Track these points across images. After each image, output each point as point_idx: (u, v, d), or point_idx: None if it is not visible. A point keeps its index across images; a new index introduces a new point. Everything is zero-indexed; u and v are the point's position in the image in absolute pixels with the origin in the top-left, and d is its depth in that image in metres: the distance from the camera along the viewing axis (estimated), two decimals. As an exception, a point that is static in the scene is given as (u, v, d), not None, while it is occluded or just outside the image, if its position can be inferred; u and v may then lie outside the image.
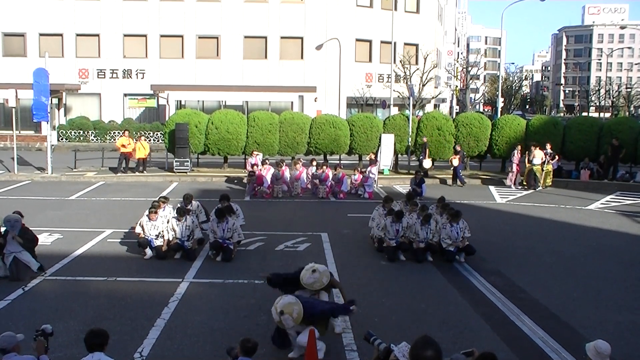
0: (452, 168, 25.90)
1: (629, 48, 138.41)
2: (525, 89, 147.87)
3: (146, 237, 13.49)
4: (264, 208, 19.78)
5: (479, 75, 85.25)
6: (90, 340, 6.48)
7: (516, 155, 24.95)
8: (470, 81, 73.48)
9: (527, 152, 24.80)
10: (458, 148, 25.94)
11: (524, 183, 24.83)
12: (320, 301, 8.90)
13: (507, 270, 13.02)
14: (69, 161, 28.14)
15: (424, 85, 43.49)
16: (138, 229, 13.65)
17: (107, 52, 43.72)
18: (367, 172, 23.35)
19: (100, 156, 29.26)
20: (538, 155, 24.45)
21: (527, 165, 24.68)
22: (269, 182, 21.94)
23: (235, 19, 43.84)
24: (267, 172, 22.35)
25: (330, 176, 22.16)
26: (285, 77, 43.94)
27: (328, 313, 8.52)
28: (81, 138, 40.02)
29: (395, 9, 44.89)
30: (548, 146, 24.84)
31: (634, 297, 11.58)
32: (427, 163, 26.28)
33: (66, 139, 39.68)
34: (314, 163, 23.30)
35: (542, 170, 24.60)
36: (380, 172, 26.49)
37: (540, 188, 24.46)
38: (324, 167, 22.39)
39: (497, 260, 13.78)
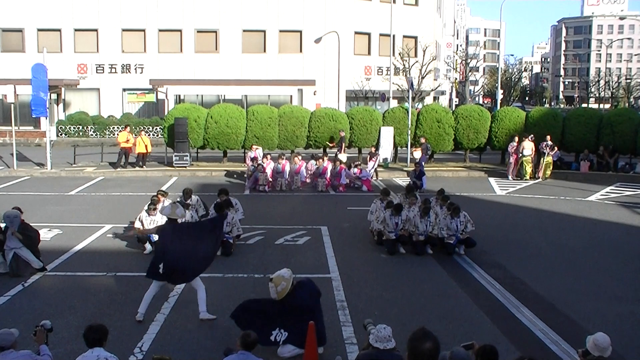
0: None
1: (629, 39, 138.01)
2: (525, 81, 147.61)
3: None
4: (264, 202, 19.78)
5: (478, 67, 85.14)
6: (89, 335, 6.49)
7: (513, 147, 25.01)
8: (470, 73, 73.37)
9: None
10: (422, 140, 25.90)
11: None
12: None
13: (507, 262, 13.02)
14: (68, 156, 28.12)
15: (423, 78, 43.44)
16: (137, 224, 13.64)
17: (105, 47, 43.59)
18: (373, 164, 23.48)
19: (99, 151, 29.26)
20: (528, 147, 24.64)
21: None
22: (269, 177, 21.94)
23: (233, 13, 43.72)
24: (267, 166, 22.36)
25: (329, 169, 22.18)
26: (284, 70, 43.86)
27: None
28: (80, 133, 39.96)
29: (394, 1, 44.77)
30: (548, 138, 24.86)
31: (634, 289, 11.58)
32: (342, 157, 26.08)
33: (65, 135, 39.64)
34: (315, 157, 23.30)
35: (532, 161, 24.82)
36: (381, 165, 26.49)
37: (539, 179, 24.46)
38: (321, 160, 22.39)
39: (497, 253, 13.78)
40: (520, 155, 24.83)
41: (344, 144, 26.23)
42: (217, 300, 10.26)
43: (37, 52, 39.89)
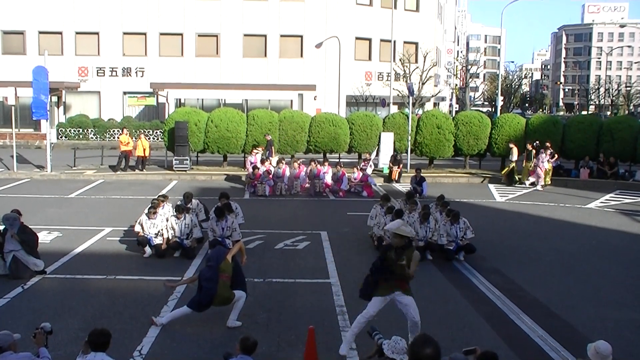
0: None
1: (629, 47, 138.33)
2: (525, 88, 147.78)
3: (145, 235, 13.48)
4: (264, 206, 19.77)
5: (478, 73, 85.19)
6: (96, 339, 6.48)
7: (541, 158, 24.57)
8: (470, 80, 73.41)
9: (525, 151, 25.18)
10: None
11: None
12: None
13: (506, 268, 13.02)
14: (68, 159, 28.12)
15: (423, 84, 43.48)
16: (137, 228, 13.64)
17: (106, 50, 43.66)
18: (366, 169, 23.46)
19: (99, 154, 29.25)
20: (514, 153, 25.19)
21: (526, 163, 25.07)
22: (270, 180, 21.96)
23: (234, 17, 43.80)
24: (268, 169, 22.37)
25: (322, 172, 22.23)
26: (284, 75, 43.91)
27: None
28: (80, 136, 39.97)
29: (395, 7, 44.83)
30: (548, 145, 24.91)
31: (634, 296, 11.59)
32: (274, 161, 26.05)
33: (65, 137, 39.63)
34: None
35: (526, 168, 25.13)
36: (380, 171, 26.52)
37: (537, 185, 24.53)
38: (314, 163, 22.43)
39: (497, 259, 13.78)
40: (509, 160, 25.38)
41: (273, 148, 25.99)
42: (217, 304, 10.25)
43: (38, 54, 39.94)
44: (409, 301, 8.50)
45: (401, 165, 25.81)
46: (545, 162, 24.41)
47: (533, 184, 24.60)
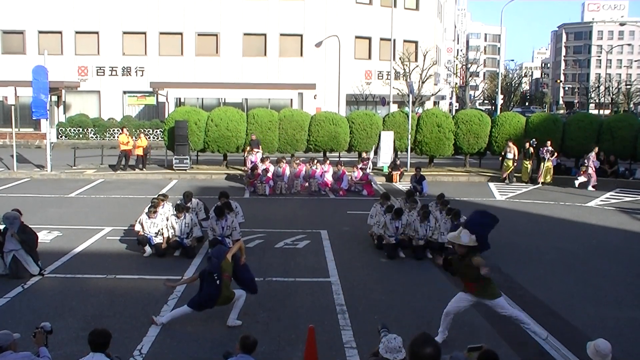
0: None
1: (629, 45, 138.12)
2: (525, 86, 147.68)
3: (145, 234, 13.48)
4: (264, 205, 19.77)
5: (478, 72, 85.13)
6: (96, 339, 6.48)
7: (592, 158, 24.42)
8: (470, 78, 73.33)
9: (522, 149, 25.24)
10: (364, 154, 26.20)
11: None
12: None
13: (506, 267, 13.01)
14: (68, 159, 28.11)
15: (423, 83, 43.44)
16: (137, 227, 13.64)
17: (106, 49, 43.61)
18: (365, 169, 23.46)
19: (99, 154, 29.26)
20: (514, 152, 25.29)
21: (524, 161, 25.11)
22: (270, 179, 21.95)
23: (234, 16, 43.76)
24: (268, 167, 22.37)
25: (323, 171, 22.23)
26: (284, 74, 43.88)
27: None
28: (80, 135, 39.94)
29: (395, 5, 44.80)
30: (548, 143, 24.90)
31: (634, 294, 11.59)
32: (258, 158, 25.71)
33: (65, 137, 39.61)
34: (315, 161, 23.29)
35: (522, 165, 25.23)
36: (380, 170, 26.51)
37: (539, 184, 24.50)
38: (309, 164, 22.44)
39: (497, 258, 13.73)
40: (507, 158, 25.38)
41: (260, 147, 25.86)
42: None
43: (37, 54, 39.87)
44: (495, 303, 8.94)
45: (401, 170, 25.78)
46: (593, 162, 24.27)
47: (582, 185, 24.09)
